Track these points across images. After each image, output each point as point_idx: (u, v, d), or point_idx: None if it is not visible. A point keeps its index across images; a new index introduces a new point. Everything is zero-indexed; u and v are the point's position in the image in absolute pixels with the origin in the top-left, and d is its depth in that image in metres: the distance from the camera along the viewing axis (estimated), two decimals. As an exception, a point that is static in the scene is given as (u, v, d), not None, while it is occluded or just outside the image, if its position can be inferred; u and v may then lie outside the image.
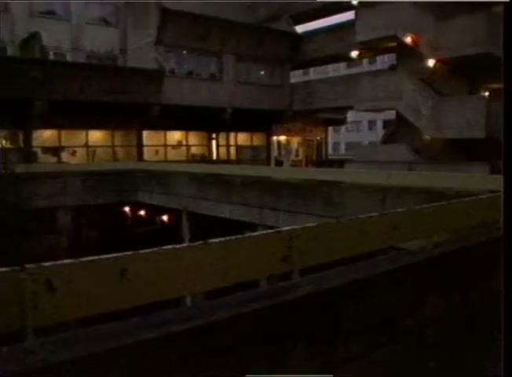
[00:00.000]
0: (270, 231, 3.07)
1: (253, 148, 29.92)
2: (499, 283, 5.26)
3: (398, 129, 20.89)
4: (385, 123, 44.71)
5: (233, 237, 2.82)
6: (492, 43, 17.19)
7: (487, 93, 19.89)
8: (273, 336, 2.74)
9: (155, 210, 18.94)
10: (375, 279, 3.43)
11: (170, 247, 2.63)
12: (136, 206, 19.59)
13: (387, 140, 22.10)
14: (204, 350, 2.42)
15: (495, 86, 19.81)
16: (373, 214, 3.80)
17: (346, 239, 3.47)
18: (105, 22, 25.23)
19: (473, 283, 4.74)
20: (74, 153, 23.26)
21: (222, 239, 2.77)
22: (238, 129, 28.30)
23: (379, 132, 46.92)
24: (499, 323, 4.73)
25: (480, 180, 9.59)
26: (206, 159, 27.04)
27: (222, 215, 14.33)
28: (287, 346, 2.85)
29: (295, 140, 35.05)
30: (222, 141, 28.66)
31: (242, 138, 29.53)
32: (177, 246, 2.67)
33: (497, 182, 8.85)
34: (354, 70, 39.15)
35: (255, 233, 2.98)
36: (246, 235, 2.95)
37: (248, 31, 26.10)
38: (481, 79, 18.97)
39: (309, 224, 3.20)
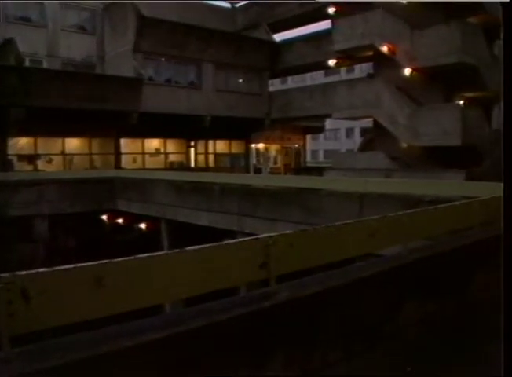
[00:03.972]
0: (247, 238, 3.08)
1: (231, 155, 29.94)
2: (475, 288, 5.34)
3: (376, 137, 21.08)
4: (363, 131, 45.13)
5: (210, 245, 2.82)
6: (466, 53, 17.52)
7: (462, 102, 20.23)
8: (251, 343, 2.74)
9: (133, 218, 18.79)
10: (352, 285, 3.46)
11: (146, 255, 2.62)
12: (114, 214, 19.41)
13: (365, 147, 22.32)
14: (183, 357, 2.41)
15: (470, 94, 20.17)
16: (349, 222, 3.83)
17: (323, 247, 3.49)
18: (82, 29, 25.04)
19: (449, 288, 4.81)
20: (50, 161, 22.99)
21: (199, 246, 2.77)
22: (217, 136, 28.30)
23: (357, 139, 47.34)
24: (476, 328, 4.79)
25: (456, 187, 9.73)
26: (184, 166, 26.94)
27: (201, 223, 14.28)
28: (266, 353, 2.86)
29: (274, 148, 35.16)
30: (201, 149, 28.62)
31: (220, 146, 29.53)
32: (154, 254, 2.66)
33: (472, 189, 8.99)
34: (332, 78, 39.51)
35: (232, 241, 2.99)
36: (224, 242, 2.96)
37: (227, 40, 26.17)
38: (457, 88, 19.28)
39: (286, 231, 3.22)
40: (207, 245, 2.82)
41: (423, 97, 18.89)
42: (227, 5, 30.17)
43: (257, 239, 3.04)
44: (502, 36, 2.27)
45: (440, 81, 18.44)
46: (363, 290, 3.65)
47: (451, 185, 10.13)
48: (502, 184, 8.63)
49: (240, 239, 3.02)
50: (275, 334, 2.90)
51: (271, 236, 3.01)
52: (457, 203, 5.62)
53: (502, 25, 2.27)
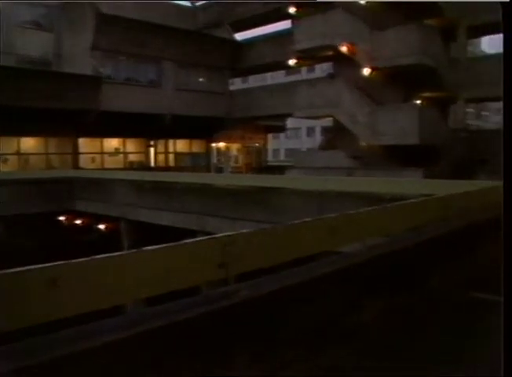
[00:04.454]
0: (205, 237, 3.04)
1: (192, 155, 29.79)
2: (434, 283, 5.43)
3: (336, 136, 21.31)
4: (324, 130, 45.57)
5: (168, 245, 2.78)
6: (423, 53, 17.88)
7: (420, 102, 20.64)
8: (210, 343, 2.70)
9: (93, 219, 18.47)
10: (311, 283, 3.45)
11: (102, 255, 2.56)
12: (73, 215, 19.04)
13: (325, 146, 22.50)
14: (143, 358, 2.36)
15: (428, 94, 20.59)
16: (309, 219, 3.83)
17: (283, 245, 3.48)
18: (38, 25, 24.45)
19: (408, 284, 4.87)
20: (5, 161, 22.39)
21: (156, 246, 2.73)
22: (177, 136, 28.12)
23: (318, 138, 47.77)
24: (436, 323, 4.87)
25: (415, 184, 9.91)
26: (144, 166, 26.67)
27: (162, 223, 14.14)
28: (225, 353, 2.82)
29: (235, 147, 35.17)
30: (161, 148, 28.38)
31: (181, 145, 29.35)
32: (111, 254, 2.60)
33: (429, 186, 9.16)
34: (293, 78, 39.74)
35: (190, 240, 2.95)
36: (182, 242, 2.91)
37: (187, 38, 26.01)
38: (415, 88, 19.65)
39: (245, 230, 3.19)
40: (165, 245, 2.78)
41: (383, 97, 19.19)
42: (188, 3, 30.02)
43: (215, 238, 3.01)
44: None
45: (399, 81, 18.76)
46: (323, 287, 3.65)
47: (410, 183, 10.32)
48: (457, 182, 8.84)
49: (198, 239, 2.98)
50: (235, 334, 2.87)
51: (229, 235, 2.98)
52: (415, 200, 5.71)
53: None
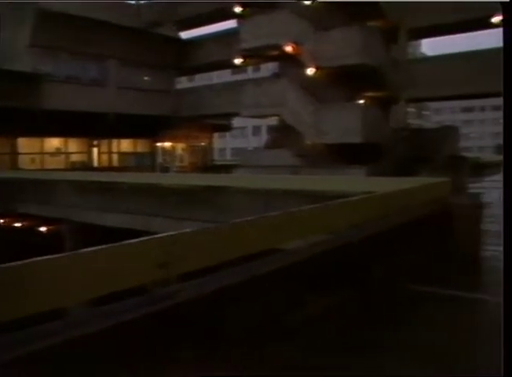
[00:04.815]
0: (147, 237, 3.01)
1: (137, 154, 29.38)
2: (375, 279, 5.56)
3: (282, 135, 21.48)
4: (270, 129, 45.83)
5: (109, 245, 2.74)
6: (366, 54, 18.27)
7: (363, 101, 21.09)
8: (154, 343, 2.68)
9: (34, 221, 17.91)
10: (254, 281, 3.48)
11: (42, 258, 2.49)
12: (13, 217, 18.39)
13: (272, 145, 22.64)
14: (87, 360, 2.32)
15: (370, 94, 21.06)
16: (252, 218, 3.86)
17: (227, 243, 3.49)
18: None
19: (350, 280, 4.98)
20: None
21: (98, 247, 2.68)
22: (121, 135, 27.64)
23: (264, 137, 48.00)
24: (379, 318, 4.99)
25: (357, 182, 10.13)
26: (86, 166, 26.06)
27: (107, 224, 13.86)
28: (170, 353, 2.81)
29: (180, 147, 34.90)
30: (104, 148, 27.83)
31: (125, 145, 28.89)
32: (50, 256, 2.54)
33: (371, 184, 9.36)
34: (239, 77, 39.79)
35: (132, 241, 2.91)
36: (124, 242, 2.87)
37: (131, 36, 25.60)
38: (359, 88, 20.06)
39: (187, 229, 3.18)
40: (106, 246, 2.73)
41: (328, 96, 19.48)
42: (132, 1, 29.55)
43: (157, 238, 2.99)
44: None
45: (343, 81, 19.09)
46: (266, 285, 3.68)
47: (353, 181, 10.53)
48: (398, 179, 9.03)
49: (140, 239, 2.95)
50: (179, 333, 2.86)
51: (172, 235, 2.97)
52: (357, 197, 5.83)
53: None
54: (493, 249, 8.58)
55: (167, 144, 33.34)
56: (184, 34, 29.09)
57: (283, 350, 3.83)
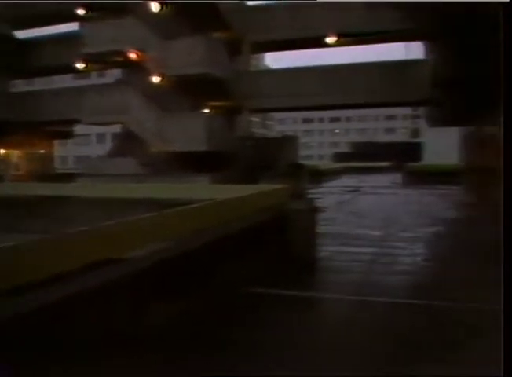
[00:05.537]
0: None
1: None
2: (220, 283, 5.68)
3: (127, 143, 21.02)
4: (115, 136, 44.60)
5: None
6: (210, 64, 18.66)
7: (209, 110, 21.48)
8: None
9: None
10: (93, 291, 3.39)
11: None
12: None
13: (116, 153, 22.06)
14: None
15: (216, 103, 21.51)
16: (91, 228, 3.75)
17: (63, 254, 3.34)
18: None
19: (194, 285, 5.04)
20: None
21: None
22: None
23: (109, 145, 46.58)
24: (229, 321, 5.09)
25: (202, 190, 10.25)
26: None
27: None
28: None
29: (16, 154, 32.60)
30: None
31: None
32: None
33: (215, 191, 9.53)
34: (82, 82, 38.19)
35: None
36: None
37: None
38: (204, 97, 20.38)
39: (12, 243, 2.99)
40: None
41: (173, 105, 19.51)
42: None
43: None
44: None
45: (188, 90, 19.24)
46: (106, 295, 3.60)
47: (198, 188, 10.65)
48: (242, 186, 9.31)
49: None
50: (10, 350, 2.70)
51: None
52: (199, 204, 5.92)
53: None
54: (327, 249, 9.25)
55: (1, 151, 30.92)
56: (23, 34, 27.19)
57: (128, 362, 3.77)
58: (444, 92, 14.75)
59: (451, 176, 29.38)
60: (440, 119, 24.21)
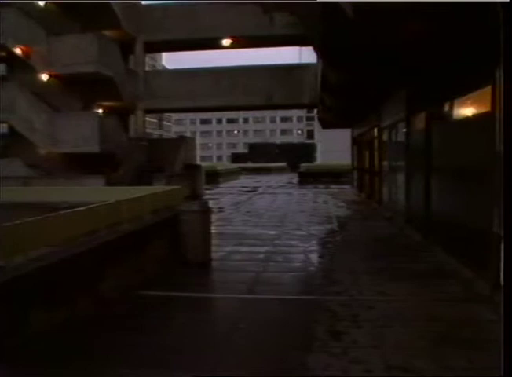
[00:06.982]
0: None
1: None
2: (106, 286, 5.54)
3: (13, 143, 19.86)
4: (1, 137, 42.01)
5: None
6: (102, 63, 18.11)
7: (101, 110, 20.83)
8: None
9: None
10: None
11: None
12: None
13: (1, 154, 20.79)
14: None
15: (107, 103, 20.90)
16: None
17: None
18: None
19: (78, 290, 4.87)
20: None
21: None
22: None
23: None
24: (118, 326, 4.96)
25: (93, 192, 9.95)
26: None
27: None
28: None
29: None
30: None
31: None
32: None
33: (107, 193, 9.27)
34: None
35: None
36: None
37: None
38: (96, 96, 19.75)
39: None
40: None
41: (63, 104, 18.74)
42: None
43: None
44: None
45: (79, 88, 18.57)
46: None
47: (89, 191, 10.33)
48: (134, 188, 9.14)
49: None
50: None
51: None
52: (87, 207, 5.75)
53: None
54: (222, 250, 9.33)
55: None
56: None
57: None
58: (331, 96, 15.42)
59: (342, 176, 30.82)
60: (329, 122, 25.34)
